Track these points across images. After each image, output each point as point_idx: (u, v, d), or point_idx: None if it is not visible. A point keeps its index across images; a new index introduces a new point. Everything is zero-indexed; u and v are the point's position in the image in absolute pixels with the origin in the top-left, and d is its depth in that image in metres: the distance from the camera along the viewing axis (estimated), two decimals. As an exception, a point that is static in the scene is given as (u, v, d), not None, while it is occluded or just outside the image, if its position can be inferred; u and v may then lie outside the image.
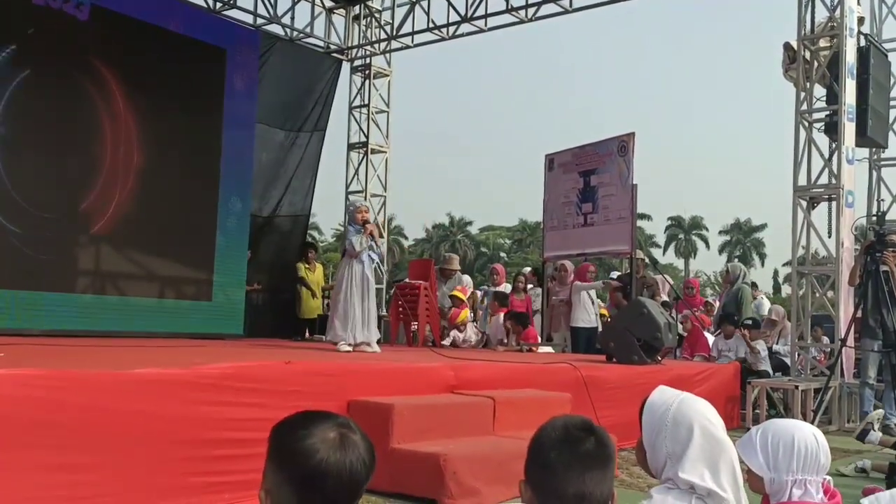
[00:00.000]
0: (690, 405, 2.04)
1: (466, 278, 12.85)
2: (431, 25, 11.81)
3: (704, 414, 2.03)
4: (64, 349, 5.59)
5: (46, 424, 3.27)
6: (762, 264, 57.04)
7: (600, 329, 9.51)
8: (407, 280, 9.84)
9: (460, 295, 10.08)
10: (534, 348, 8.84)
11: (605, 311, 10.46)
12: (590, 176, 8.95)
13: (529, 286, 10.60)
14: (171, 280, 9.35)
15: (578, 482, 1.64)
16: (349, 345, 6.71)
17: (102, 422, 3.46)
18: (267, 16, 11.34)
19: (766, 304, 11.62)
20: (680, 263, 57.70)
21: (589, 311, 10.22)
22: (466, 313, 9.66)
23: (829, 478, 2.23)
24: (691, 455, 1.94)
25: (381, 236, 11.06)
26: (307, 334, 10.57)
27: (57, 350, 5.44)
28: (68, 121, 8.42)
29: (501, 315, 9.54)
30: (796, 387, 7.56)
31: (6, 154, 7.91)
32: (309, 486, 1.43)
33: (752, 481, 2.19)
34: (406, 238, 56.60)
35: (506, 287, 11.12)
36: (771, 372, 8.77)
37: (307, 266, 10.76)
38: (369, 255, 6.89)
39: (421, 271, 9.71)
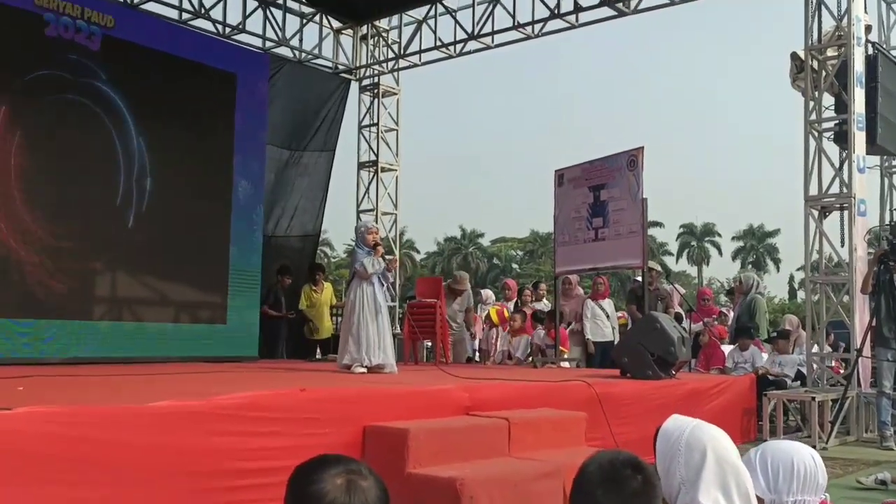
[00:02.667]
0: (704, 430, 2.06)
1: (487, 293, 12.88)
2: (439, 43, 11.90)
3: (717, 438, 2.05)
4: (82, 380, 5.65)
5: (67, 460, 3.31)
6: (777, 269, 56.75)
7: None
8: (417, 298, 9.87)
9: (494, 315, 10.19)
10: (554, 364, 8.87)
11: (625, 321, 10.44)
12: (600, 190, 8.96)
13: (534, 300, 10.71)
14: (185, 304, 9.43)
15: None
16: (364, 367, 6.73)
17: (122, 456, 3.49)
18: (275, 39, 11.45)
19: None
20: (693, 271, 57.48)
21: (603, 325, 10.23)
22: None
23: (827, 495, 2.26)
24: (705, 479, 1.94)
25: (390, 253, 11.16)
26: (319, 354, 10.59)
27: (75, 381, 5.50)
28: (82, 149, 8.54)
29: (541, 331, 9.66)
30: (813, 398, 7.52)
31: (23, 184, 8.04)
32: None
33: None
34: (418, 252, 56.70)
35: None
36: (790, 379, 8.70)
37: (313, 288, 10.73)
38: (379, 279, 6.91)
39: (430, 289, 9.74)
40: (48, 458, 3.25)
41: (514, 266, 56.23)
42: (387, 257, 7.10)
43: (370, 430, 4.53)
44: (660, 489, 1.77)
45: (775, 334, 9.08)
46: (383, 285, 6.97)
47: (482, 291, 13.19)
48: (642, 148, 8.61)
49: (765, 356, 8.81)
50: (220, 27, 10.91)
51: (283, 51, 11.71)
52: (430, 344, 9.53)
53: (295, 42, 11.81)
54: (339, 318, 13.19)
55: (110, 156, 8.82)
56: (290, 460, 3.88)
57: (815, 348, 8.46)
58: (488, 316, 10.61)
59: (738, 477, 1.99)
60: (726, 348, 9.47)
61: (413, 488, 4.28)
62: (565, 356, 9.32)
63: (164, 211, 9.13)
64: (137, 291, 8.99)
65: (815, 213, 8.45)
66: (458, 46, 11.82)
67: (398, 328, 12.19)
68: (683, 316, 10.17)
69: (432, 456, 4.47)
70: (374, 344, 6.77)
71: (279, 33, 11.48)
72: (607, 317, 10.41)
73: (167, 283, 9.22)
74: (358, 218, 12.83)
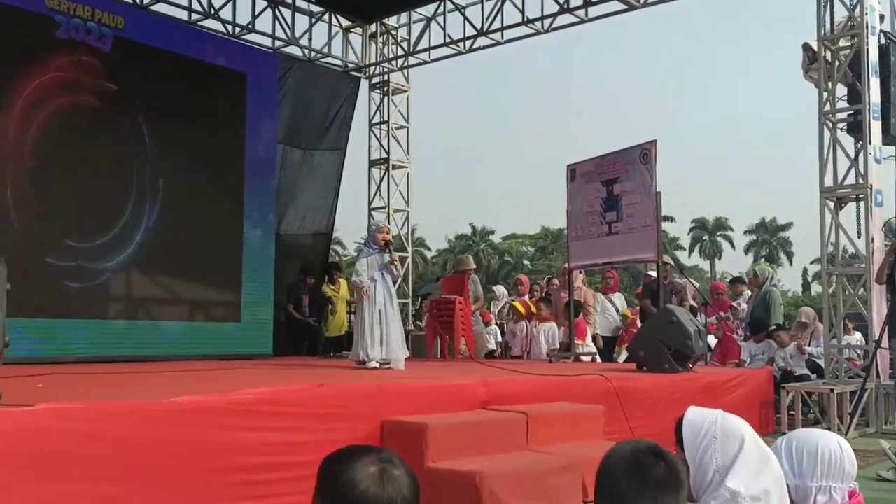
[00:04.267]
0: (734, 419, 2.06)
1: (500, 289, 12.85)
2: (448, 40, 11.88)
3: (747, 426, 2.05)
4: (100, 377, 5.67)
5: (87, 456, 3.33)
6: (790, 263, 56.46)
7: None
8: (442, 295, 9.84)
9: (520, 306, 10.15)
10: (568, 358, 8.84)
11: (628, 313, 10.37)
12: (613, 185, 8.91)
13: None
14: (200, 303, 9.46)
15: None
16: (377, 362, 6.75)
17: (141, 452, 3.50)
18: (285, 38, 11.46)
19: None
20: (706, 265, 57.24)
21: (612, 319, 10.20)
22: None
23: (855, 484, 2.23)
24: (741, 464, 1.95)
25: (402, 250, 11.14)
26: (333, 352, 10.59)
27: (93, 379, 5.52)
28: (95, 150, 8.58)
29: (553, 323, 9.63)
30: (831, 390, 7.46)
31: (37, 186, 8.08)
32: None
33: None
34: (429, 249, 56.69)
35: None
36: (810, 374, 8.68)
37: (332, 287, 10.78)
38: (382, 274, 6.91)
39: (456, 286, 9.74)
40: (68, 455, 3.27)
41: (526, 263, 56.13)
42: (392, 254, 7.07)
43: (388, 425, 4.53)
44: (684, 475, 1.76)
45: (773, 327, 9.03)
46: (395, 282, 6.98)
47: (495, 288, 13.17)
48: (655, 141, 8.55)
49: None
50: (229, 27, 10.93)
51: (293, 50, 11.72)
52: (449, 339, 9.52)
53: (304, 41, 11.82)
54: (352, 316, 13.25)
55: (123, 156, 8.85)
56: (309, 455, 3.92)
57: (833, 340, 8.40)
58: (512, 309, 10.56)
59: (770, 462, 1.99)
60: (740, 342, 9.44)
61: (432, 482, 4.26)
62: (580, 349, 9.28)
63: (177, 210, 9.16)
64: (152, 291, 9.02)
65: (831, 204, 8.39)
66: (468, 43, 11.80)
67: (411, 324, 12.19)
68: (698, 310, 10.12)
69: (451, 450, 4.46)
70: (382, 340, 6.80)
71: (288, 32, 11.49)
72: (617, 311, 10.40)
73: (181, 282, 9.25)
74: (370, 216, 12.84)
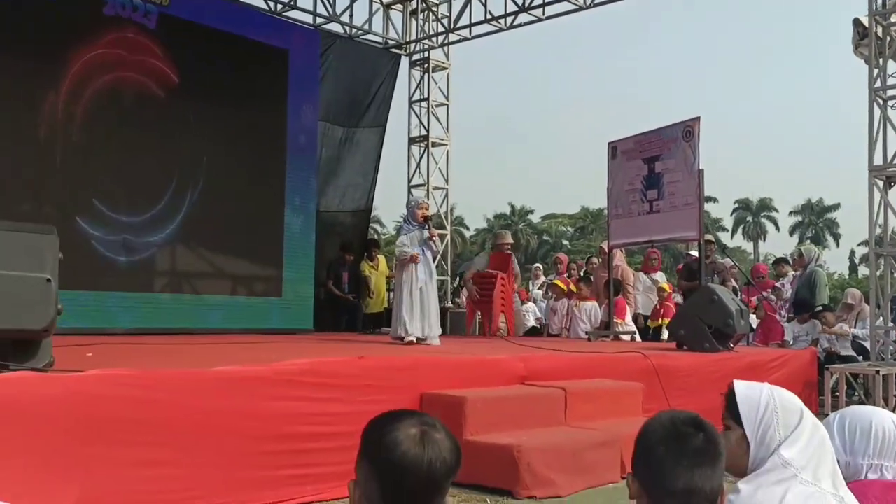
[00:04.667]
0: (786, 391, 2.00)
1: (538, 267, 12.83)
2: (489, 17, 11.79)
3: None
4: (147, 348, 5.81)
5: (137, 421, 3.42)
6: (837, 245, 55.27)
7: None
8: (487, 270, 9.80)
9: (561, 284, 10.13)
10: (607, 337, 8.80)
11: (665, 286, 10.11)
12: (654, 162, 8.81)
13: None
14: (242, 277, 9.61)
15: (688, 478, 1.64)
16: (415, 337, 6.80)
17: (188, 418, 3.59)
18: (326, 14, 11.48)
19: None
20: (749, 247, 56.33)
21: (654, 298, 10.11)
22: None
23: None
24: (796, 435, 1.90)
25: (441, 228, 11.13)
26: (372, 328, 10.68)
27: (140, 349, 5.65)
28: (141, 126, 8.72)
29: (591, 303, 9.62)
30: (877, 372, 7.33)
31: (85, 162, 8.25)
32: (390, 478, 1.49)
33: None
34: (467, 228, 56.62)
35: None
36: (855, 356, 8.53)
37: (371, 264, 10.85)
38: (422, 250, 6.93)
39: (500, 263, 9.72)
40: (117, 420, 3.36)
41: (565, 242, 55.82)
42: (431, 229, 7.07)
43: (427, 398, 4.58)
44: (723, 447, 1.74)
45: (819, 308, 8.87)
46: (434, 258, 6.99)
47: (533, 266, 13.15)
48: (699, 118, 8.43)
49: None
50: (271, 4, 10.96)
51: (334, 27, 11.74)
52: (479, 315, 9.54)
53: (345, 18, 11.82)
54: (392, 293, 13.33)
55: (167, 133, 8.99)
56: (350, 426, 3.97)
57: (880, 321, 8.23)
58: (552, 287, 10.52)
59: (825, 437, 1.95)
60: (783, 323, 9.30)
61: (470, 455, 4.27)
62: (620, 328, 9.23)
63: (220, 186, 9.29)
64: (196, 265, 9.19)
65: (880, 183, 8.19)
66: (509, 19, 11.69)
67: (449, 302, 12.22)
68: (739, 290, 9.99)
69: (489, 424, 4.50)
70: (420, 316, 6.84)
71: (329, 9, 11.50)
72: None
73: (224, 257, 9.40)
74: (409, 194, 12.85)
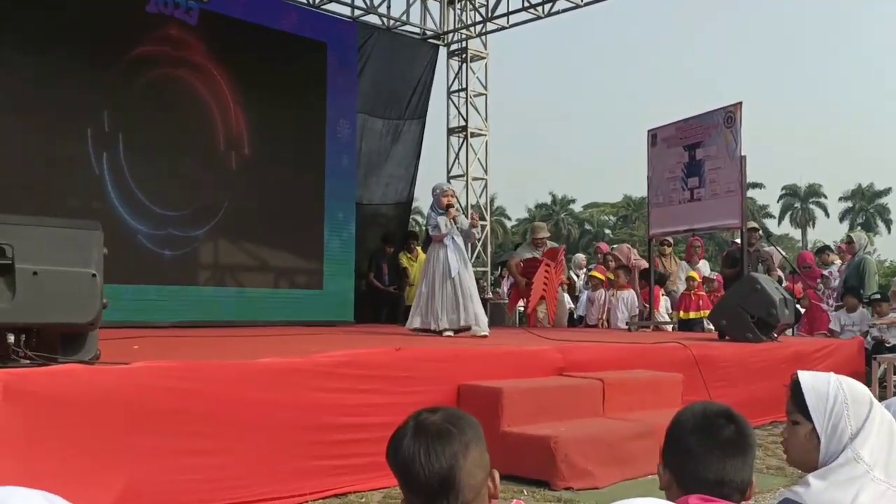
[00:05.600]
0: (854, 381, 1.92)
1: (580, 257, 12.76)
2: (526, 4, 11.72)
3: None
4: (191, 340, 5.94)
5: (181, 412, 3.51)
6: (888, 231, 53.85)
7: None
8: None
9: (600, 274, 10.06)
10: (647, 327, 8.72)
11: (695, 275, 9.79)
12: (695, 149, 8.70)
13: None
14: (283, 270, 9.74)
15: (719, 468, 1.65)
16: (451, 330, 6.65)
17: (230, 409, 3.67)
18: (364, 6, 11.52)
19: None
20: (797, 234, 55.22)
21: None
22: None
23: None
24: (867, 429, 1.82)
25: (481, 219, 11.08)
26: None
27: (184, 341, 5.78)
28: (184, 121, 8.88)
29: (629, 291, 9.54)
30: (926, 362, 7.16)
31: (129, 156, 8.44)
32: (400, 480, 1.52)
33: None
34: (509, 218, 56.46)
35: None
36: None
37: (409, 256, 10.91)
38: (454, 240, 6.78)
39: (550, 256, 9.67)
40: (162, 411, 3.45)
41: (607, 232, 55.35)
42: (454, 210, 6.86)
43: (465, 389, 4.60)
44: (753, 439, 1.74)
45: (878, 296, 8.66)
46: (466, 247, 6.82)
47: (574, 256, 13.08)
48: (740, 103, 8.29)
49: None
50: (309, -2, 11.04)
51: (372, 18, 11.77)
52: (522, 307, 9.49)
53: (383, 9, 11.85)
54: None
55: (210, 128, 9.14)
56: (388, 417, 4.02)
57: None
58: (590, 277, 10.45)
59: (893, 426, 1.87)
60: (830, 312, 9.11)
61: (507, 446, 4.33)
62: (659, 319, 9.15)
63: (262, 180, 9.42)
64: (238, 258, 9.35)
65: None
66: (547, 7, 11.60)
67: (489, 293, 12.22)
68: (784, 279, 9.82)
69: (526, 415, 4.51)
70: (446, 308, 6.65)
71: (367, 1, 11.54)
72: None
73: (265, 249, 9.54)
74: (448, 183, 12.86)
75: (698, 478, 1.67)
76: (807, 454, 1.88)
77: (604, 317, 9.69)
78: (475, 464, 1.50)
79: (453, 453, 1.48)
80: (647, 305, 9.32)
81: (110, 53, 8.35)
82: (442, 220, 6.70)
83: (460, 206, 6.85)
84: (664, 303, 9.63)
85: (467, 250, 7.11)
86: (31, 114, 7.77)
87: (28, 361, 3.19)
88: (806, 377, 1.91)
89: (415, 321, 6.82)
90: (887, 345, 8.03)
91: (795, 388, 1.89)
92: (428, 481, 1.46)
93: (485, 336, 6.58)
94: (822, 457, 1.84)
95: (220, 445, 3.62)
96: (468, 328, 6.68)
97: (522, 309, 9.84)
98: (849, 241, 9.86)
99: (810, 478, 1.82)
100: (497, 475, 1.54)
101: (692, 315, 9.34)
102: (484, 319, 6.85)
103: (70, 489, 3.06)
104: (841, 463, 1.79)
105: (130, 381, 3.38)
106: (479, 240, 6.97)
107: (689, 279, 9.57)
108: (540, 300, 8.94)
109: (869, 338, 8.20)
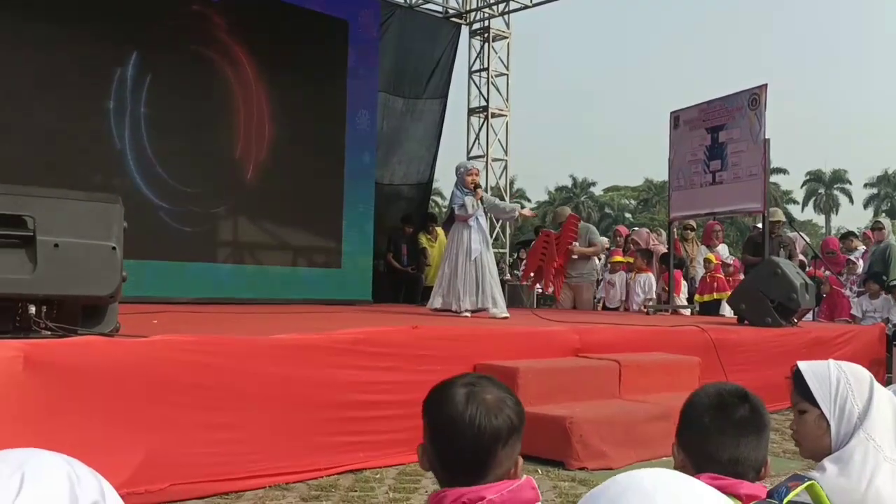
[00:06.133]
0: (848, 362, 1.94)
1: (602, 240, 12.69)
2: (550, -16, 11.60)
3: None
4: (210, 316, 5.99)
5: (199, 386, 3.54)
6: (914, 218, 53.14)
7: None
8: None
9: (619, 257, 10.01)
10: (665, 311, 8.67)
11: (711, 257, 9.69)
12: (718, 132, 8.60)
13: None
14: (302, 249, 9.77)
15: (733, 447, 1.65)
16: (468, 311, 6.65)
17: (247, 384, 3.70)
18: (386, -15, 11.45)
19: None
20: (820, 220, 54.62)
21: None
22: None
23: None
24: (877, 406, 1.83)
25: (501, 200, 10.99)
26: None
27: (204, 317, 5.83)
28: (205, 99, 8.90)
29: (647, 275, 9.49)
30: (949, 349, 7.08)
31: (151, 134, 8.47)
32: (440, 437, 1.51)
33: None
34: (528, 201, 56.14)
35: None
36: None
37: (428, 237, 10.91)
38: (478, 220, 6.74)
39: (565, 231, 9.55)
40: (181, 384, 3.49)
41: (627, 215, 55.01)
42: (480, 190, 6.80)
43: (480, 368, 4.60)
44: (768, 419, 1.73)
45: (894, 283, 8.55)
46: (486, 227, 6.78)
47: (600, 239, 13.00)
48: (765, 86, 8.18)
49: None
50: (331, -25, 10.99)
51: (394, -4, 11.71)
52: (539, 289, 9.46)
53: (405, -12, 11.78)
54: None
55: (230, 104, 9.15)
56: (402, 395, 4.04)
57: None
58: (609, 262, 10.41)
59: (893, 398, 1.89)
60: (853, 297, 9.02)
61: (523, 425, 4.33)
62: (678, 302, 9.10)
63: (282, 158, 9.43)
64: (257, 236, 9.39)
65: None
66: (571, -14, 11.49)
67: (507, 275, 12.20)
68: (807, 264, 9.72)
69: (542, 395, 4.51)
70: (467, 289, 6.62)
71: (389, -21, 11.48)
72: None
73: (285, 228, 9.57)
74: (467, 164, 12.83)
75: (712, 457, 1.67)
76: (818, 441, 1.87)
77: (622, 298, 9.66)
78: (512, 451, 1.51)
79: (496, 436, 1.48)
80: (666, 289, 9.26)
81: (132, 31, 8.37)
82: (469, 200, 6.66)
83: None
84: (683, 287, 9.56)
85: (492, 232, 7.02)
86: (53, 90, 7.82)
87: (49, 333, 3.23)
88: (805, 365, 1.93)
89: (436, 301, 6.82)
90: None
91: (797, 377, 1.90)
92: (470, 444, 1.46)
93: (505, 318, 6.55)
94: (834, 440, 1.84)
95: (237, 419, 3.65)
96: (485, 309, 6.67)
97: (540, 290, 9.82)
98: (878, 226, 9.71)
99: (826, 462, 1.83)
100: (521, 461, 1.55)
101: (706, 298, 9.28)
102: (502, 302, 6.81)
103: (89, 459, 3.10)
104: (854, 445, 1.79)
105: (149, 353, 3.42)
106: (516, 219, 6.79)
107: (706, 261, 9.49)
108: (538, 271, 8.81)
109: (890, 324, 8.12)
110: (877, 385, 1.86)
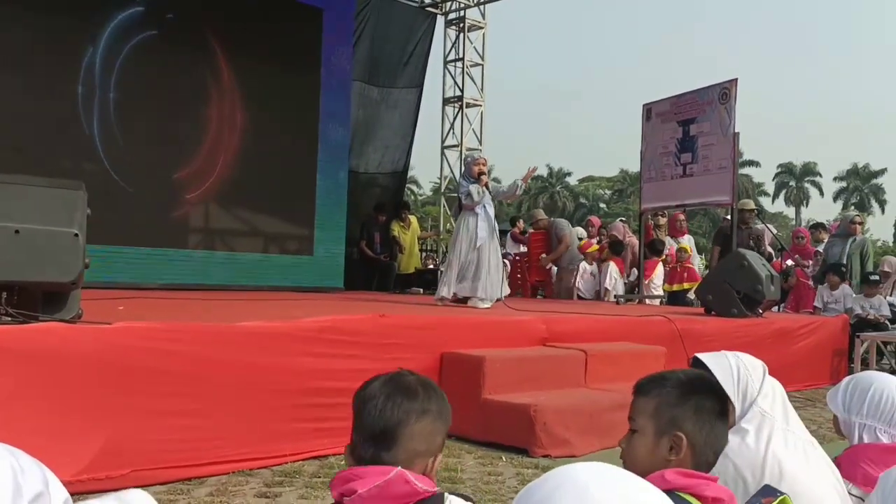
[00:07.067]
0: (743, 353, 2.10)
1: (579, 230, 12.78)
2: (525, -26, 11.59)
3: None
4: (179, 303, 5.95)
5: (162, 373, 3.53)
6: (882, 211, 53.97)
7: None
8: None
9: (591, 248, 10.13)
10: (632, 300, 8.76)
11: (687, 247, 9.84)
12: (689, 125, 8.69)
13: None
14: (274, 236, 9.74)
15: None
16: (481, 299, 6.58)
17: (212, 371, 3.70)
18: (361, -28, 11.39)
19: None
20: (790, 212, 55.30)
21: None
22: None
23: None
24: (768, 387, 2.01)
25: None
26: (402, 288, 10.77)
27: (171, 304, 5.79)
28: (176, 84, 8.81)
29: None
30: (909, 341, 7.23)
31: (120, 118, 8.39)
32: (357, 420, 1.57)
33: (836, 424, 2.30)
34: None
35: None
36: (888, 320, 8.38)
37: (402, 225, 10.92)
38: (485, 208, 6.74)
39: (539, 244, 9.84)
40: (143, 371, 3.47)
41: (602, 206, 55.34)
42: (485, 178, 6.82)
43: (447, 357, 4.64)
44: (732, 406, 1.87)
45: (877, 277, 8.67)
46: (492, 215, 6.80)
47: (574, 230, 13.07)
48: (736, 80, 8.27)
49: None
50: (306, -38, 10.91)
51: (369, -15, 11.64)
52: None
53: (381, -24, 11.72)
54: (425, 253, 13.39)
55: (203, 91, 9.07)
56: (369, 381, 4.02)
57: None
58: (581, 250, 10.49)
59: (781, 387, 2.06)
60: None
61: (488, 413, 4.38)
62: (649, 290, 9.20)
63: (254, 145, 9.38)
64: (230, 223, 9.34)
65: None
66: (546, -23, 11.50)
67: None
68: (774, 256, 9.85)
69: (508, 383, 4.55)
70: (461, 276, 6.67)
71: (364, -34, 11.41)
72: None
73: (257, 215, 9.53)
74: (442, 155, 12.87)
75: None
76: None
77: (596, 288, 9.77)
78: (423, 432, 1.53)
79: (407, 411, 1.52)
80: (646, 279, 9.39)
81: (101, 13, 8.27)
82: (474, 189, 6.69)
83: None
84: (660, 269, 9.66)
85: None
86: (20, 74, 7.71)
87: (9, 319, 3.20)
88: (707, 357, 2.06)
89: (442, 291, 6.84)
90: (870, 322, 8.07)
91: (699, 368, 1.99)
92: (374, 423, 1.52)
93: (486, 308, 6.50)
94: (737, 418, 1.99)
95: (200, 406, 3.65)
96: (471, 298, 6.63)
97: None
98: (857, 221, 9.75)
99: (729, 433, 1.91)
100: (439, 460, 1.59)
101: (675, 287, 9.40)
102: (493, 293, 6.72)
103: (50, 446, 3.09)
104: (749, 418, 1.96)
105: (111, 340, 3.40)
106: (523, 188, 6.84)
107: (681, 250, 9.61)
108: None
109: (853, 316, 8.25)
110: (767, 370, 2.05)
